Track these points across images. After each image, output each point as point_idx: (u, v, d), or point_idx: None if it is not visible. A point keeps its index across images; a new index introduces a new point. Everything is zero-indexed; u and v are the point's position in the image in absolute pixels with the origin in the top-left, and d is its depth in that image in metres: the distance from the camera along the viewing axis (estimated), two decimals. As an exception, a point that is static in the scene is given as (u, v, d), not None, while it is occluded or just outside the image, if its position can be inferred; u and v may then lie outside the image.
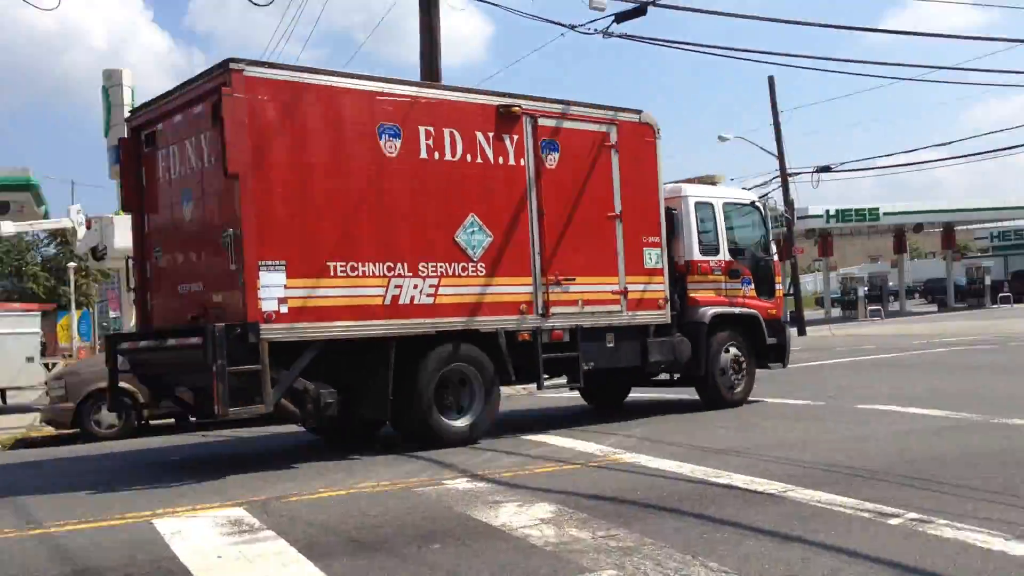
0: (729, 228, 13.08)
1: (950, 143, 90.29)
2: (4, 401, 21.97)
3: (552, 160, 10.95)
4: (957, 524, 5.64)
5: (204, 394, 9.78)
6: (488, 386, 10.43)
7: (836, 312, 49.02)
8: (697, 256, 12.62)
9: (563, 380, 11.40)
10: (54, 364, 26.30)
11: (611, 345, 11.44)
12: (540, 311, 10.71)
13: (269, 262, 8.85)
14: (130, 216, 10.77)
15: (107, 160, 21.45)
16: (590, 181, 11.30)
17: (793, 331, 15.64)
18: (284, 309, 8.91)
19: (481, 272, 10.31)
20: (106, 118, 21.43)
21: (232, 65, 8.81)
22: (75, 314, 38.10)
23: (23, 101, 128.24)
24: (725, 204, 13.16)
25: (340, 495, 7.64)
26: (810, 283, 76.51)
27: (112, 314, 36.36)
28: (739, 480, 7.32)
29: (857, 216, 46.95)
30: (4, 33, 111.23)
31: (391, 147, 9.74)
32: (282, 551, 5.89)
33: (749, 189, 24.06)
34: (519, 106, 10.69)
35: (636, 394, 14.23)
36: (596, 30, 15.48)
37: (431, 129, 10.03)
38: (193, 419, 13.33)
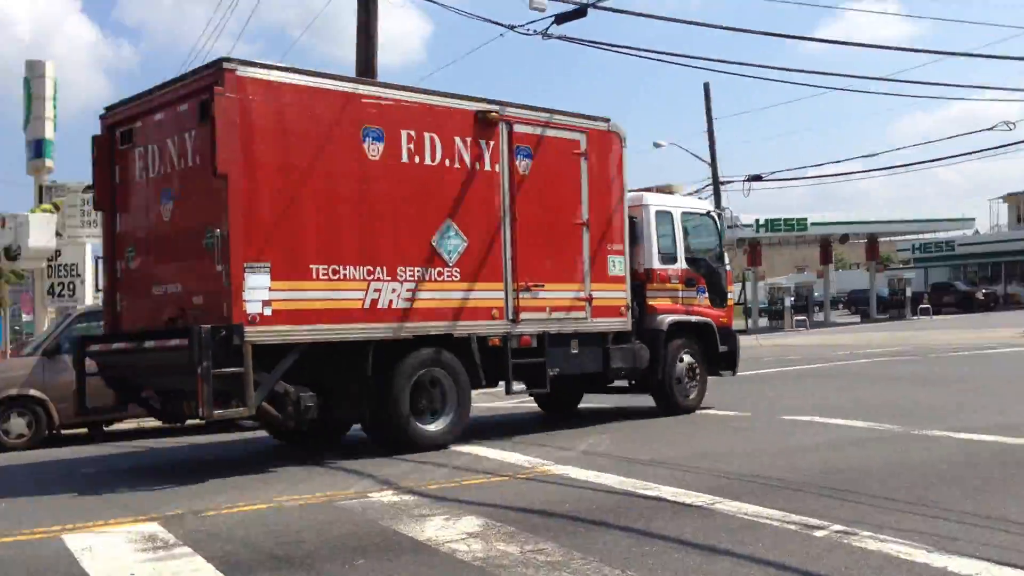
0: (686, 237, 13.32)
1: (877, 154, 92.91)
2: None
3: (525, 167, 11.07)
4: (881, 536, 5.67)
5: (174, 396, 9.96)
6: (461, 390, 10.48)
7: (763, 322, 49.82)
8: (656, 264, 12.84)
9: (521, 386, 11.50)
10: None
11: (575, 351, 11.58)
12: (510, 317, 10.82)
13: (254, 264, 8.82)
14: (100, 214, 10.67)
15: (25, 155, 20.76)
16: (560, 188, 11.48)
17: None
18: (268, 312, 8.89)
19: (456, 277, 10.39)
20: (27, 111, 20.73)
21: (225, 64, 8.81)
22: (-13, 317, 36.81)
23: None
24: (683, 213, 13.39)
25: (260, 509, 7.42)
26: (737, 292, 77.73)
27: (25, 317, 35.20)
28: (667, 492, 7.30)
29: (786, 226, 47.79)
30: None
31: (374, 150, 9.79)
32: (198, 568, 5.68)
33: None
34: (496, 112, 10.77)
35: (585, 403, 14.20)
36: (536, 31, 15.46)
37: (412, 133, 10.09)
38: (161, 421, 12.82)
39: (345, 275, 9.50)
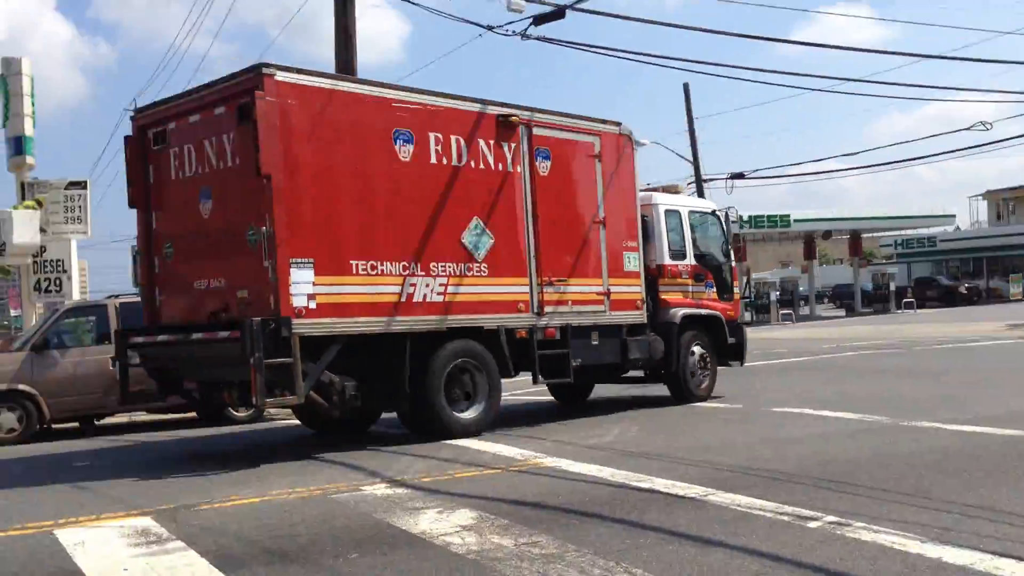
0: (694, 235, 13.92)
1: (856, 153, 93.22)
2: None
3: (545, 168, 11.59)
4: (874, 527, 5.70)
5: (215, 387, 10.49)
6: (491, 380, 10.92)
7: (749, 316, 50.00)
8: (667, 260, 13.40)
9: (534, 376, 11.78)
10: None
11: (596, 343, 12.11)
12: (535, 310, 11.34)
13: (299, 260, 9.22)
14: (136, 212, 10.86)
15: (4, 152, 20.58)
16: (577, 188, 12.09)
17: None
18: (312, 305, 9.29)
19: (484, 272, 10.88)
20: (5, 108, 20.54)
21: (265, 70, 9.17)
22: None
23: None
24: (690, 212, 14.03)
25: (253, 503, 7.40)
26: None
27: (13, 312, 34.95)
28: (660, 484, 7.32)
29: (769, 222, 48.03)
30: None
31: (405, 152, 10.24)
32: (192, 563, 5.66)
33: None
34: (517, 115, 11.29)
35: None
36: (514, 32, 15.42)
37: (440, 135, 10.56)
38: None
39: (382, 270, 9.93)
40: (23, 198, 19.94)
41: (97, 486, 8.74)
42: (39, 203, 19.91)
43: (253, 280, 9.36)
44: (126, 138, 10.89)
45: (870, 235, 62.81)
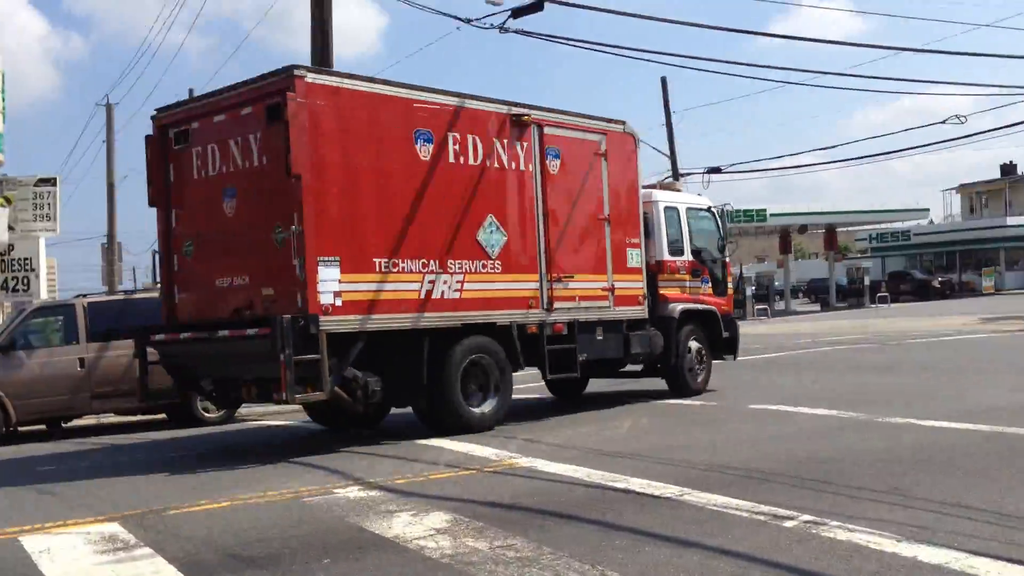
0: (691, 231, 14.20)
1: (833, 147, 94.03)
2: None
3: (554, 166, 11.86)
4: (849, 526, 5.67)
5: (233, 384, 10.56)
6: (504, 375, 11.16)
7: (725, 311, 50.11)
8: (667, 256, 13.66)
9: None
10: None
11: (600, 338, 12.37)
12: (545, 306, 11.59)
13: (326, 258, 9.41)
14: (156, 211, 10.98)
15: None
16: (584, 186, 12.29)
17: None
18: (339, 302, 9.48)
19: (498, 269, 11.11)
20: (-26, 105, 20.23)
21: (295, 71, 9.37)
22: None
23: None
24: (688, 209, 14.30)
25: (223, 507, 7.28)
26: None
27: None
28: (636, 484, 7.26)
29: (745, 217, 48.18)
30: None
31: (425, 151, 10.47)
32: (159, 570, 5.55)
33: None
34: (529, 115, 11.53)
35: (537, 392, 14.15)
36: (492, 24, 15.32)
37: (457, 135, 10.79)
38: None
39: (403, 268, 10.14)
40: (-9, 195, 19.67)
41: (64, 491, 8.60)
42: (8, 200, 19.64)
43: (279, 278, 9.52)
44: (147, 137, 11.00)
45: (845, 229, 63.28)
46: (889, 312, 42.48)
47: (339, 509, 6.95)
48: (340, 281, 9.48)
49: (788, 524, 5.82)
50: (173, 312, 10.83)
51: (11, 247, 19.36)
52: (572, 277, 11.87)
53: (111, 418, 15.38)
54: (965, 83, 68.98)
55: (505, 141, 11.28)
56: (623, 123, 12.95)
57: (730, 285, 15.11)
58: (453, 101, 10.83)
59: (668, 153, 37.95)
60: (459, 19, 15.58)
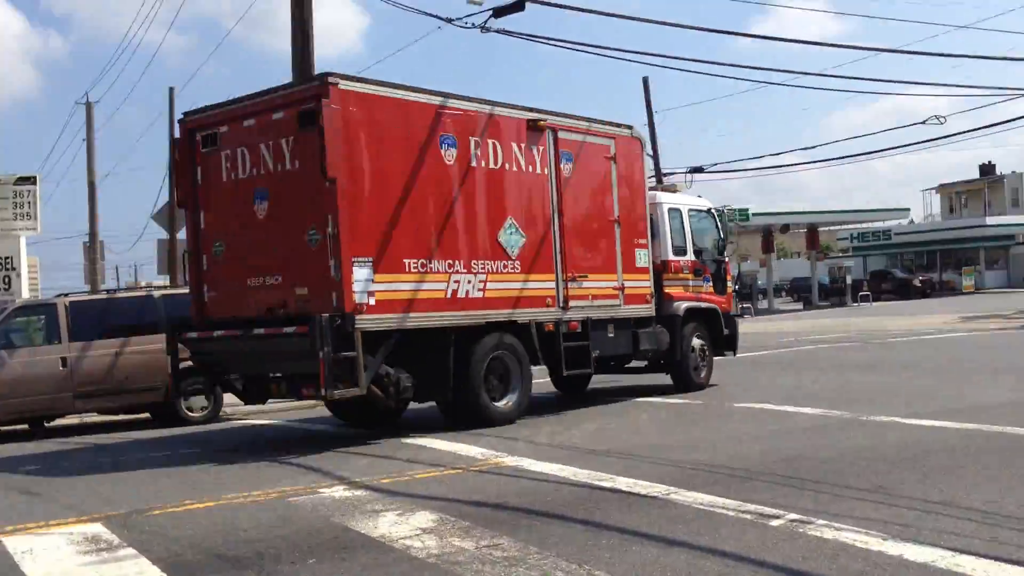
0: (693, 232, 14.63)
1: (813, 147, 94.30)
2: None
3: (568, 169, 12.27)
4: (835, 524, 5.69)
5: (262, 380, 10.86)
6: (523, 371, 11.53)
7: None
8: (671, 256, 14.07)
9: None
10: None
11: (611, 335, 12.79)
12: (561, 304, 12.00)
13: (360, 258, 9.75)
14: (184, 212, 11.32)
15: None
16: (596, 188, 12.77)
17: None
18: (372, 301, 9.82)
19: (518, 269, 11.51)
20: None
21: (330, 78, 9.72)
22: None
23: None
24: (690, 210, 14.71)
25: (208, 507, 7.24)
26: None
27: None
28: (623, 483, 7.26)
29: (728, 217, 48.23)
30: None
31: (449, 155, 10.86)
32: (143, 571, 5.51)
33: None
34: (545, 120, 11.94)
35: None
36: (474, 24, 15.28)
37: (479, 139, 11.19)
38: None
39: (431, 268, 10.52)
40: (-30, 194, 19.51)
41: (46, 491, 8.53)
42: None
43: (314, 278, 9.80)
44: (174, 140, 11.13)
45: (827, 229, 63.55)
46: (871, 311, 42.73)
47: (325, 509, 6.92)
48: (373, 281, 9.82)
49: (774, 523, 5.83)
50: (203, 310, 11.07)
51: (-9, 246, 19.19)
52: (586, 276, 12.29)
53: (94, 417, 15.27)
54: (944, 84, 69.43)
55: (523, 145, 11.67)
56: (631, 127, 13.47)
57: (729, 284, 15.50)
58: (475, 107, 11.23)
59: (651, 153, 38.01)
60: (441, 18, 15.55)
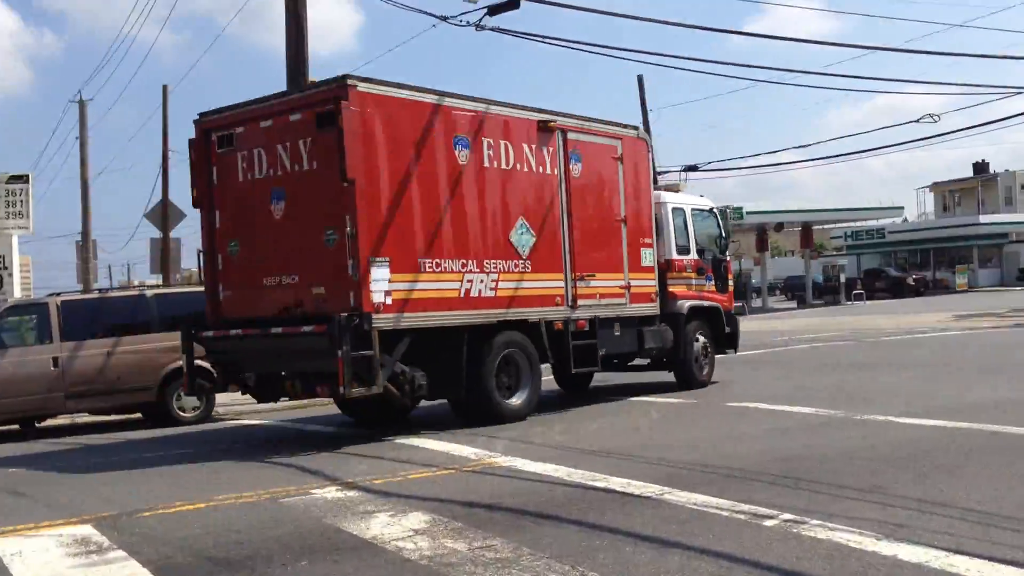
0: (696, 231, 14.82)
1: (808, 145, 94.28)
2: None
3: (577, 170, 12.43)
4: (830, 524, 5.66)
5: (276, 378, 10.91)
6: (534, 369, 11.68)
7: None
8: (674, 255, 14.23)
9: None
10: None
11: (618, 333, 12.97)
12: (570, 303, 12.15)
13: (378, 258, 9.89)
14: (200, 212, 11.32)
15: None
16: (603, 188, 12.95)
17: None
18: (389, 301, 9.96)
19: (528, 268, 11.66)
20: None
21: (349, 81, 9.81)
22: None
23: None
24: (692, 210, 14.90)
25: (199, 509, 7.20)
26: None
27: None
28: (616, 483, 7.23)
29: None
30: None
31: (463, 156, 11.01)
32: (134, 573, 5.47)
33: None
34: (555, 120, 12.11)
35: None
36: (468, 22, 15.24)
37: (491, 140, 11.34)
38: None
39: (445, 268, 10.67)
40: (-39, 193, 19.43)
41: (36, 492, 8.47)
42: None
43: (331, 277, 9.94)
44: (190, 140, 11.32)
45: (821, 227, 63.64)
46: (865, 309, 42.79)
47: (317, 510, 6.88)
48: (390, 280, 9.95)
49: (769, 523, 5.81)
50: (218, 309, 11.18)
51: (-18, 245, 19.11)
52: (593, 276, 12.44)
53: (85, 418, 15.20)
54: (939, 82, 69.48)
55: (533, 146, 11.83)
56: (636, 128, 13.72)
57: (730, 282, 15.69)
58: (487, 108, 11.39)
59: (647, 151, 37.97)
60: (435, 16, 15.51)
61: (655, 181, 37.95)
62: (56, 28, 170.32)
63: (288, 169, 10.42)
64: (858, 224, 64.13)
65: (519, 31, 16.31)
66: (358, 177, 9.69)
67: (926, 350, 19.32)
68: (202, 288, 11.81)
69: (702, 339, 14.39)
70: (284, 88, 14.94)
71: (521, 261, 11.56)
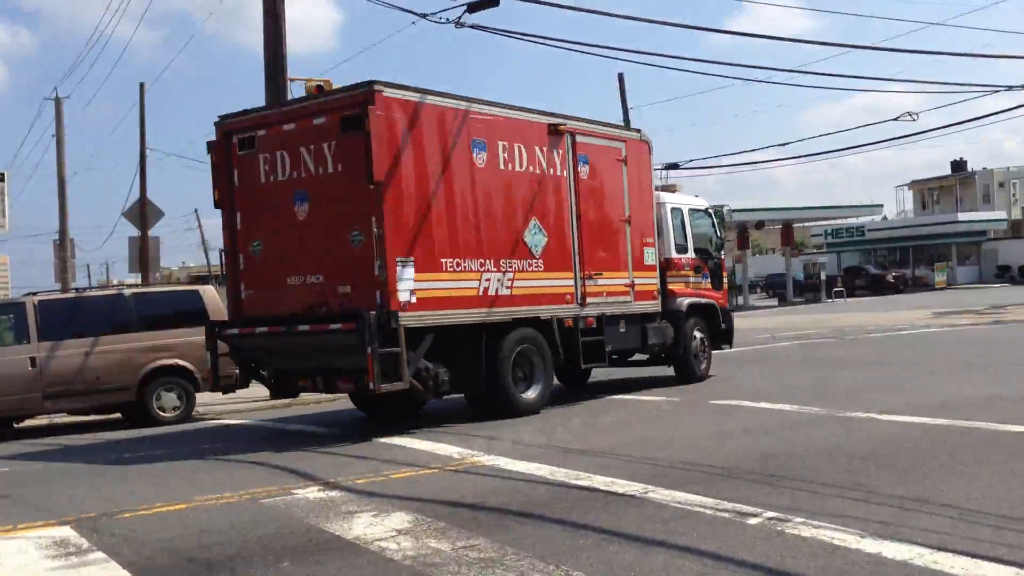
0: (693, 230, 15.22)
1: (788, 143, 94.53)
2: None
3: (584, 172, 12.82)
4: (813, 523, 5.66)
5: (294, 375, 11.27)
6: (546, 364, 12.02)
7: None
8: (674, 254, 14.65)
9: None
10: None
11: (623, 330, 13.38)
12: (579, 301, 12.54)
13: (403, 258, 10.22)
14: (221, 212, 11.59)
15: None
16: (609, 189, 13.32)
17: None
18: (413, 299, 10.29)
19: (541, 268, 12.04)
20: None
21: (375, 86, 10.09)
22: None
23: None
24: (690, 210, 15.30)
25: (179, 509, 7.13)
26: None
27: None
28: (599, 482, 7.22)
29: (704, 213, 48.26)
30: None
31: (480, 159, 11.34)
32: (113, 575, 5.39)
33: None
34: (565, 124, 12.48)
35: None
36: (448, 19, 15.18)
37: (506, 144, 11.67)
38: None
39: (464, 267, 11.02)
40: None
41: (14, 493, 8.38)
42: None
43: (357, 277, 10.27)
44: (210, 143, 11.61)
45: (801, 225, 63.88)
46: (845, 307, 43.00)
47: (299, 510, 6.83)
48: (415, 280, 10.26)
49: (752, 521, 5.80)
50: (240, 307, 11.47)
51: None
52: (601, 274, 12.83)
53: (64, 418, 15.06)
54: (917, 80, 70.02)
55: (544, 149, 12.18)
56: (639, 131, 14.08)
57: (725, 280, 16.11)
58: (502, 112, 11.74)
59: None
60: (414, 13, 15.46)
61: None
62: (31, 25, 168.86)
63: (312, 171, 10.69)
64: (838, 222, 64.42)
65: (498, 28, 16.23)
66: (384, 179, 9.99)
67: (906, 347, 19.41)
68: (181, 287, 11.83)
69: (699, 335, 14.78)
70: (262, 86, 14.90)
71: (534, 260, 11.92)
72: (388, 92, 10.22)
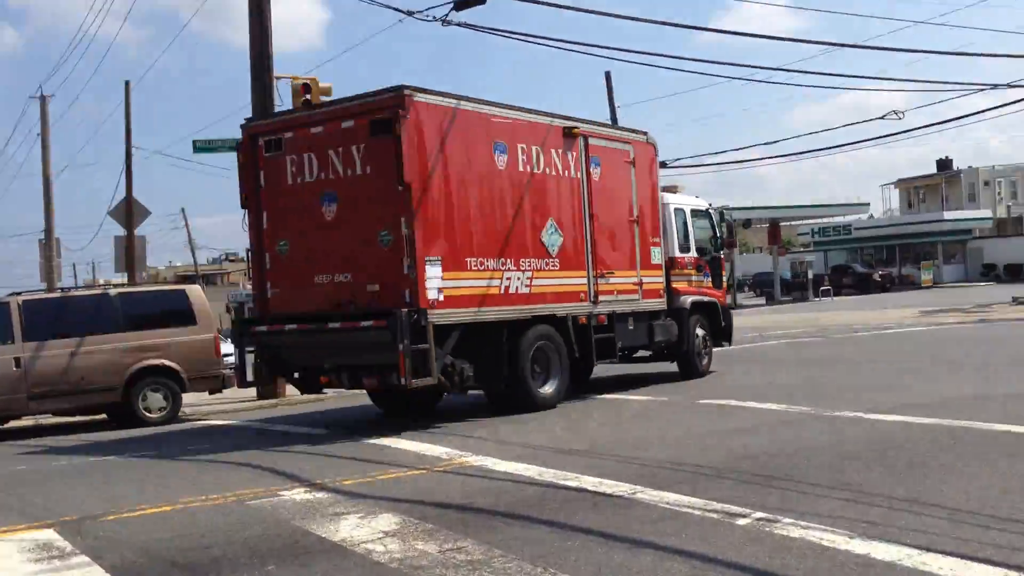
0: (695, 230, 15.62)
1: (774, 142, 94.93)
2: None
3: (596, 173, 13.17)
4: (802, 523, 5.65)
5: (319, 372, 11.47)
6: (562, 360, 12.32)
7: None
8: (677, 253, 14.99)
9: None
10: None
11: (632, 327, 13.75)
12: (592, 299, 12.91)
13: (432, 258, 10.55)
14: (247, 213, 11.82)
15: None
16: (619, 190, 13.68)
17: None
18: (441, 297, 10.60)
19: (557, 266, 12.40)
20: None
21: (405, 91, 10.41)
22: None
23: None
24: (691, 210, 15.71)
25: (164, 512, 7.07)
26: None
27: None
28: (588, 482, 7.19)
29: (691, 213, 48.33)
30: None
31: (501, 161, 11.66)
32: (96, 580, 5.35)
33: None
34: (578, 127, 12.86)
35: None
36: (435, 17, 15.14)
37: (524, 146, 11.99)
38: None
39: (487, 266, 11.34)
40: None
41: (-3, 496, 8.29)
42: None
43: (386, 276, 10.57)
44: (237, 144, 12.00)
45: (788, 223, 64.07)
46: (832, 305, 43.14)
47: (284, 512, 6.78)
48: (442, 278, 10.57)
49: (741, 522, 5.78)
50: (266, 306, 11.73)
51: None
52: (612, 273, 13.23)
53: (50, 419, 14.95)
54: (903, 79, 70.32)
55: (560, 151, 12.55)
56: (646, 133, 14.40)
57: (724, 279, 16.58)
58: (521, 116, 12.07)
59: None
60: (401, 11, 15.41)
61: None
62: (16, 23, 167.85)
63: (340, 173, 10.97)
64: (825, 221, 64.65)
65: (484, 26, 16.19)
66: (414, 181, 10.29)
67: (894, 346, 19.48)
68: (167, 287, 11.78)
69: (701, 332, 15.18)
70: (248, 84, 14.84)
71: (551, 259, 12.26)
72: (418, 97, 10.55)
